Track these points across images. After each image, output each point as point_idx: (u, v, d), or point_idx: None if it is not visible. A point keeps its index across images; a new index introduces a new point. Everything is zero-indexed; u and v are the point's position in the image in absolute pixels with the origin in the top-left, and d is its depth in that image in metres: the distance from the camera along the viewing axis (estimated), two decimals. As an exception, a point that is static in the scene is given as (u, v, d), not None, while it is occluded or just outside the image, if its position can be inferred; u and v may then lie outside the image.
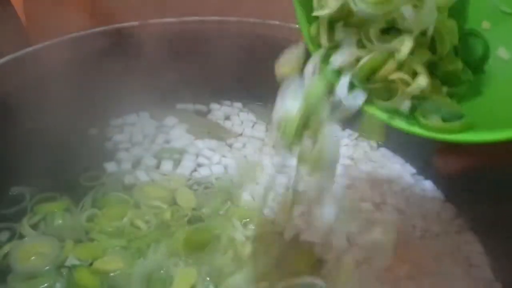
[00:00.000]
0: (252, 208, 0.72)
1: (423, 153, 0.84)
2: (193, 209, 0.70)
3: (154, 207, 0.69)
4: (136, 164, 0.78)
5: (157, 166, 0.78)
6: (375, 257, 0.68)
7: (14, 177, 0.70)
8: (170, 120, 0.87)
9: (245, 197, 0.74)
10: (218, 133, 0.86)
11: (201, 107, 0.92)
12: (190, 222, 0.69)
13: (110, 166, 0.77)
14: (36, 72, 0.74)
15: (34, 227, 0.65)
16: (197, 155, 0.81)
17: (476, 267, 0.70)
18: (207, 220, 0.69)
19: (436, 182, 0.83)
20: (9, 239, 0.63)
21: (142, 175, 0.75)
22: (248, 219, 0.69)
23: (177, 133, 0.85)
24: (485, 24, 0.44)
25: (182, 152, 0.81)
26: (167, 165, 0.78)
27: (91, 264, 0.61)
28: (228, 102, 0.94)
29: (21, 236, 0.63)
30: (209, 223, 0.69)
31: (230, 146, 0.84)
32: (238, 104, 0.94)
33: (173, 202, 0.71)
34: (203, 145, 0.83)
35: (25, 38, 0.91)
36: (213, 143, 0.84)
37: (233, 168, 0.79)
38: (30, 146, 0.71)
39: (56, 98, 0.73)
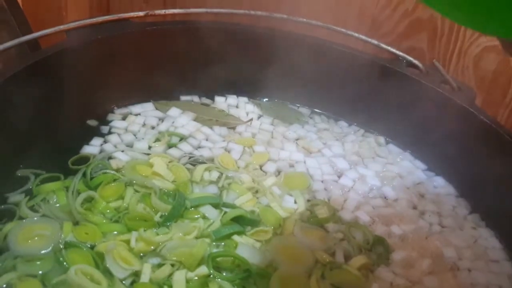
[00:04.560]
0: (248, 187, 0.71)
1: (433, 149, 0.83)
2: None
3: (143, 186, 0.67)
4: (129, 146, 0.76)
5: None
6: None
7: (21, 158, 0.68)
8: (175, 111, 0.84)
9: (245, 178, 0.72)
10: (227, 120, 0.84)
11: (206, 100, 0.89)
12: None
13: (106, 147, 0.75)
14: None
15: (33, 208, 0.61)
16: (199, 140, 0.79)
17: (496, 262, 0.68)
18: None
19: (448, 177, 0.82)
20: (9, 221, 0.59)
21: (132, 155, 0.73)
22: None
23: (183, 121, 0.82)
24: None
25: (185, 138, 0.78)
26: (159, 148, 0.75)
27: (92, 248, 0.57)
28: (233, 96, 0.91)
29: (21, 218, 0.60)
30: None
31: (240, 134, 0.82)
32: (244, 99, 0.91)
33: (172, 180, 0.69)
34: (211, 131, 0.81)
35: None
36: (222, 130, 0.82)
37: (237, 152, 0.77)
38: (36, 126, 0.68)
39: (66, 84, 0.72)
